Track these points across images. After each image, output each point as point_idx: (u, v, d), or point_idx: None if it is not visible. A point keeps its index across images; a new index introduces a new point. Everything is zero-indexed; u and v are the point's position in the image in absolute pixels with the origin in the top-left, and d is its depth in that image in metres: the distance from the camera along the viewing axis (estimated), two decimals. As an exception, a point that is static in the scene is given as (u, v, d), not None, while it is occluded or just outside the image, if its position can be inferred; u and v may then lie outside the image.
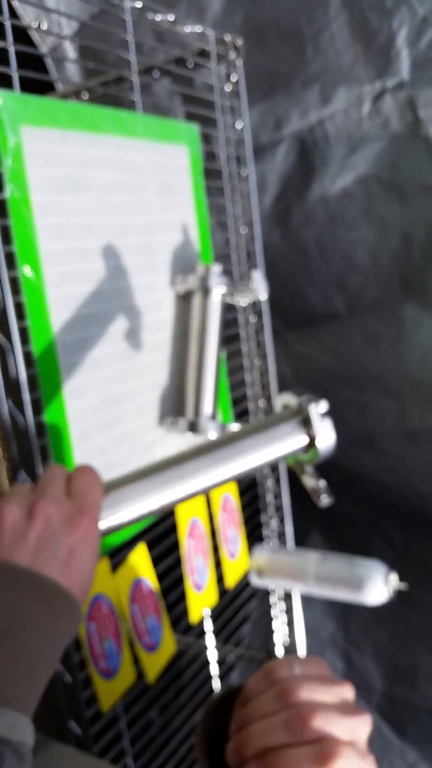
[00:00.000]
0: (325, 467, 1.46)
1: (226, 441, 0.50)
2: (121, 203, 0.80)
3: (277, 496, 1.23)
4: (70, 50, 1.31)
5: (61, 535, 0.42)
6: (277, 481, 1.22)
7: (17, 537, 0.41)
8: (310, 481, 0.56)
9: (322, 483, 0.57)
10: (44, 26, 1.24)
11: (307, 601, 1.50)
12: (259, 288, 0.88)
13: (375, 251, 1.25)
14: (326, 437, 0.52)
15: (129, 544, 0.83)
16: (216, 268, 0.89)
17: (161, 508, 0.49)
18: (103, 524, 0.46)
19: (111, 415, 0.79)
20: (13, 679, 0.36)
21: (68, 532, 0.42)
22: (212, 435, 0.87)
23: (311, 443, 0.53)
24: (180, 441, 0.90)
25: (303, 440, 0.52)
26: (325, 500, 0.56)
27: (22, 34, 1.02)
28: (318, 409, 0.52)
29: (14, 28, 0.68)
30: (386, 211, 1.22)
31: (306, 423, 0.52)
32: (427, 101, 1.14)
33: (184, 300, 0.91)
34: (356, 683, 1.42)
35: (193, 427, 0.86)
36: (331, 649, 1.50)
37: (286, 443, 0.52)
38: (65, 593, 0.41)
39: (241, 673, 1.39)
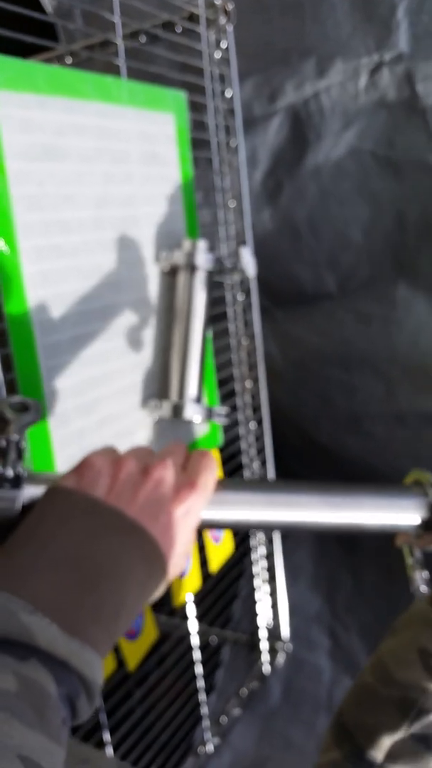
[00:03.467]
0: (312, 448, 1.44)
1: (345, 490, 0.49)
2: (102, 173, 0.76)
3: (263, 465, 1.21)
4: (51, 10, 1.26)
5: (167, 501, 0.43)
6: (260, 451, 1.20)
7: (129, 488, 0.42)
8: (413, 567, 0.53)
9: (425, 574, 0.53)
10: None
11: (293, 579, 1.49)
12: (247, 265, 0.84)
13: (368, 229, 1.22)
14: None
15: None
16: (203, 244, 0.85)
17: (259, 525, 0.49)
18: (206, 513, 0.46)
19: (90, 398, 0.76)
20: (100, 620, 0.37)
21: (175, 501, 0.43)
22: (197, 419, 0.84)
23: (427, 527, 0.49)
24: (163, 426, 0.87)
25: (418, 520, 0.49)
26: (421, 590, 0.52)
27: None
28: None
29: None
30: (380, 187, 1.19)
31: (430, 504, 0.49)
32: (426, 75, 1.10)
33: (169, 277, 0.88)
34: (342, 660, 1.42)
35: (178, 411, 0.83)
36: (318, 627, 1.50)
37: (401, 515, 0.49)
38: (161, 554, 0.42)
39: (231, 654, 1.38)
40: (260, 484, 0.50)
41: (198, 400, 0.85)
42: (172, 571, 0.44)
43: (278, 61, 1.18)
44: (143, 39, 1.05)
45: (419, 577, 0.52)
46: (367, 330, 1.27)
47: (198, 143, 1.02)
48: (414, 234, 1.18)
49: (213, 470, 0.46)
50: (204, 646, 1.25)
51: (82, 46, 1.00)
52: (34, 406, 0.50)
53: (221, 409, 0.87)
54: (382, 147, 1.17)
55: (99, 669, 0.36)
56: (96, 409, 0.77)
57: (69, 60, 1.04)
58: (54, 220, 0.70)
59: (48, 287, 0.69)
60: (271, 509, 0.48)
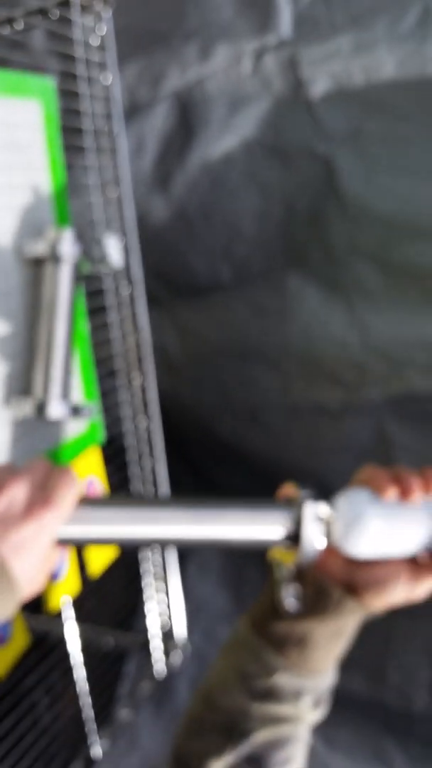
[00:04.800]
0: (213, 441, 1.42)
1: (209, 504, 0.49)
2: None
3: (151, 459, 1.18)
4: None
5: (17, 519, 0.42)
6: (151, 450, 1.17)
7: None
8: (281, 582, 0.52)
9: (295, 589, 0.52)
10: None
11: (201, 576, 1.47)
12: (112, 255, 0.81)
13: (259, 219, 1.20)
14: (312, 541, 0.47)
15: None
16: (68, 234, 0.82)
17: (122, 541, 0.49)
18: (63, 531, 0.45)
19: None
20: None
21: (26, 518, 0.42)
22: (62, 417, 0.81)
23: (294, 541, 0.48)
24: (28, 423, 0.83)
25: (283, 534, 0.48)
26: (289, 606, 0.51)
27: None
28: (315, 509, 0.48)
29: None
30: (269, 177, 1.17)
31: (297, 518, 0.48)
32: (309, 60, 1.09)
33: (34, 268, 0.84)
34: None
35: (41, 408, 0.79)
36: (225, 625, 1.49)
37: (267, 529, 0.49)
38: (8, 574, 0.41)
39: (135, 657, 1.36)
40: (123, 501, 0.50)
41: (64, 396, 0.82)
42: (27, 588, 0.43)
43: (160, 45, 1.14)
44: (20, 26, 1.01)
45: (287, 591, 0.52)
46: (261, 321, 1.25)
47: (81, 132, 0.98)
48: (303, 224, 1.16)
49: (71, 487, 0.45)
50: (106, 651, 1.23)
51: None
52: None
53: (89, 406, 0.84)
54: (269, 135, 1.15)
55: None
56: None
57: None
58: None
59: None
60: (133, 525, 0.47)
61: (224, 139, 1.18)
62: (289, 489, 0.51)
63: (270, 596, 0.55)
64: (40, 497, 0.44)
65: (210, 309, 1.31)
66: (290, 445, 1.29)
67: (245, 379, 1.30)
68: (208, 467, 1.47)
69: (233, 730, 0.55)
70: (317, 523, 0.48)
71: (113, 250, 0.81)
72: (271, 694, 0.54)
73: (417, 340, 1.10)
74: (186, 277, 1.29)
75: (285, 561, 0.51)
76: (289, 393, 1.25)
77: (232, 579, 1.54)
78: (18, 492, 0.43)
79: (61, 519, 0.44)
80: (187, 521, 0.48)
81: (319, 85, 1.09)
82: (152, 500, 0.49)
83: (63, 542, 0.46)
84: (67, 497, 0.44)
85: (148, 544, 0.49)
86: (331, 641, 0.53)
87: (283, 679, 0.53)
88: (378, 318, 1.13)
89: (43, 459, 0.48)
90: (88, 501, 0.47)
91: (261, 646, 0.54)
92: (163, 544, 0.49)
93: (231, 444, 1.39)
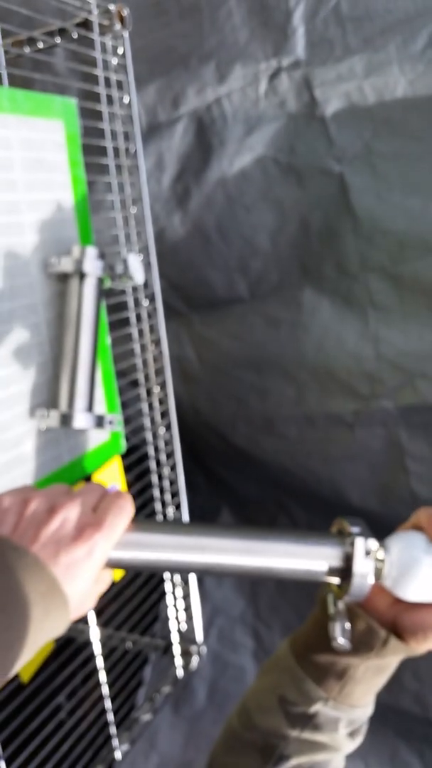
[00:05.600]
0: (229, 450, 1.45)
1: (260, 534, 0.49)
2: (-21, 182, 0.76)
3: (172, 470, 1.21)
4: None
5: (69, 540, 0.43)
6: (170, 456, 1.20)
7: (33, 526, 0.43)
8: (334, 618, 0.52)
9: (347, 626, 0.52)
10: None
11: (218, 581, 1.50)
12: (135, 272, 0.84)
13: (274, 235, 1.24)
14: (362, 576, 0.48)
15: None
16: (92, 251, 0.85)
17: (170, 567, 0.49)
18: (113, 554, 0.46)
19: (-28, 407, 0.75)
20: None
21: (77, 540, 0.43)
22: (86, 428, 0.84)
23: (344, 576, 0.49)
24: (53, 433, 0.87)
25: (332, 567, 0.49)
26: (341, 646, 0.51)
27: None
28: (366, 545, 0.48)
29: None
30: (284, 194, 1.21)
31: (347, 554, 0.49)
32: (323, 81, 1.13)
33: (59, 284, 0.88)
34: (265, 660, 1.43)
35: (66, 420, 0.83)
36: (241, 627, 1.51)
37: (317, 562, 0.49)
38: (62, 593, 0.42)
39: (154, 660, 1.38)
40: (174, 527, 0.50)
41: (89, 408, 0.85)
42: (77, 609, 0.44)
43: (179, 66, 1.18)
44: (40, 45, 1.05)
45: (338, 628, 0.51)
46: (276, 334, 1.28)
47: (102, 150, 1.02)
48: (317, 240, 1.20)
49: (124, 511, 0.47)
50: (126, 653, 1.25)
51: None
52: None
53: (114, 417, 0.87)
54: (283, 153, 1.19)
55: None
56: (-21, 420, 0.76)
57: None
58: None
59: None
60: (181, 553, 0.48)
61: (240, 157, 1.21)
62: (341, 523, 0.52)
63: (315, 625, 0.55)
64: (93, 520, 0.45)
65: (226, 321, 1.34)
66: (304, 453, 1.32)
67: (260, 390, 1.33)
68: (223, 475, 1.50)
69: (271, 753, 0.55)
70: (368, 561, 0.48)
71: (135, 266, 0.84)
72: (310, 722, 0.54)
73: (429, 352, 1.13)
74: (203, 290, 1.33)
75: (338, 597, 0.51)
76: (304, 403, 1.28)
77: (247, 584, 1.57)
78: (71, 513, 0.44)
79: (112, 542, 0.45)
80: (238, 551, 0.48)
81: (332, 105, 1.13)
82: (202, 528, 0.50)
83: (112, 565, 0.47)
84: (118, 521, 0.46)
85: (196, 571, 0.50)
86: (373, 678, 0.54)
87: (322, 710, 0.54)
88: (390, 330, 1.16)
89: (98, 483, 0.49)
90: (139, 525, 0.48)
91: (302, 675, 0.55)
92: (210, 573, 0.50)
93: (246, 452, 1.42)
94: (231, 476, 1.50)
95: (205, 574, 0.52)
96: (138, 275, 0.85)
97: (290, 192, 1.20)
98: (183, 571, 0.49)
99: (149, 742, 1.33)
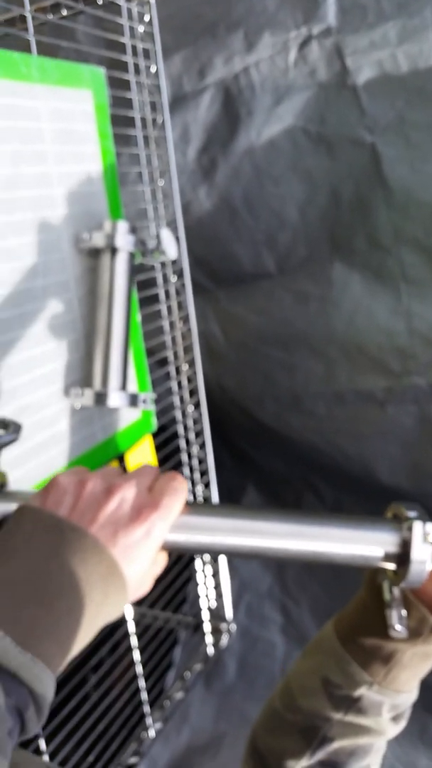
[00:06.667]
0: (257, 427, 1.44)
1: (315, 519, 0.49)
2: (10, 152, 0.73)
3: (201, 448, 1.20)
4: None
5: (127, 521, 0.43)
6: (198, 434, 1.18)
7: (91, 507, 0.43)
8: (390, 605, 0.50)
9: (403, 613, 0.50)
10: None
11: (244, 558, 1.50)
12: (168, 247, 0.82)
13: (303, 207, 1.21)
14: (420, 563, 0.46)
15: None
16: (124, 226, 0.83)
17: (224, 551, 0.48)
18: (169, 536, 0.45)
19: (8, 387, 0.74)
20: (54, 637, 0.38)
21: (135, 521, 0.43)
22: (120, 407, 0.83)
23: (401, 562, 0.48)
24: (87, 412, 0.86)
25: (388, 553, 0.48)
26: (398, 633, 0.49)
27: None
28: (425, 529, 0.47)
29: None
30: (314, 165, 1.17)
31: (404, 539, 0.47)
32: (355, 49, 1.09)
33: (90, 259, 0.86)
34: (294, 635, 1.43)
35: (101, 399, 0.82)
36: (270, 603, 1.51)
37: (373, 548, 0.48)
38: (121, 574, 0.41)
39: (184, 638, 1.39)
40: (228, 510, 0.49)
41: (122, 387, 0.84)
42: (135, 591, 0.44)
43: (206, 35, 1.15)
44: (64, 12, 1.02)
45: (395, 615, 0.50)
46: (305, 310, 1.26)
47: (128, 121, 0.99)
48: (348, 212, 1.17)
49: (179, 493, 0.46)
50: (159, 631, 1.25)
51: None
52: (13, 426, 0.50)
53: (147, 396, 0.85)
54: (314, 123, 1.15)
55: (50, 684, 0.37)
56: (14, 399, 0.75)
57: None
58: None
59: None
60: (236, 536, 0.47)
61: (269, 127, 1.18)
62: (396, 508, 0.50)
63: (361, 608, 0.54)
64: (150, 501, 0.44)
65: (253, 297, 1.32)
66: (333, 431, 1.30)
67: (288, 367, 1.31)
68: (249, 452, 1.49)
69: (314, 735, 0.55)
70: (426, 546, 0.46)
71: (168, 241, 0.82)
72: (354, 706, 0.54)
73: (463, 326, 1.10)
74: (229, 265, 1.30)
75: (394, 583, 0.50)
76: (333, 380, 1.26)
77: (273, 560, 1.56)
78: (128, 494, 0.44)
79: (168, 523, 0.45)
80: (293, 535, 0.47)
81: (364, 74, 1.09)
82: (257, 512, 0.49)
83: (167, 548, 0.46)
84: (174, 502, 0.45)
85: (250, 556, 0.49)
86: (419, 663, 0.53)
87: (366, 694, 0.53)
88: (424, 305, 1.13)
89: (151, 465, 0.49)
90: (193, 508, 0.47)
91: (347, 658, 0.54)
92: (263, 557, 0.49)
93: (273, 430, 1.40)
94: (257, 454, 1.48)
95: (258, 558, 0.50)
96: (171, 250, 0.83)
97: (320, 163, 1.17)
98: (237, 555, 0.48)
99: (182, 717, 1.34)
